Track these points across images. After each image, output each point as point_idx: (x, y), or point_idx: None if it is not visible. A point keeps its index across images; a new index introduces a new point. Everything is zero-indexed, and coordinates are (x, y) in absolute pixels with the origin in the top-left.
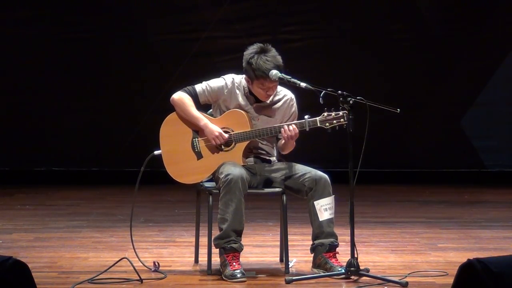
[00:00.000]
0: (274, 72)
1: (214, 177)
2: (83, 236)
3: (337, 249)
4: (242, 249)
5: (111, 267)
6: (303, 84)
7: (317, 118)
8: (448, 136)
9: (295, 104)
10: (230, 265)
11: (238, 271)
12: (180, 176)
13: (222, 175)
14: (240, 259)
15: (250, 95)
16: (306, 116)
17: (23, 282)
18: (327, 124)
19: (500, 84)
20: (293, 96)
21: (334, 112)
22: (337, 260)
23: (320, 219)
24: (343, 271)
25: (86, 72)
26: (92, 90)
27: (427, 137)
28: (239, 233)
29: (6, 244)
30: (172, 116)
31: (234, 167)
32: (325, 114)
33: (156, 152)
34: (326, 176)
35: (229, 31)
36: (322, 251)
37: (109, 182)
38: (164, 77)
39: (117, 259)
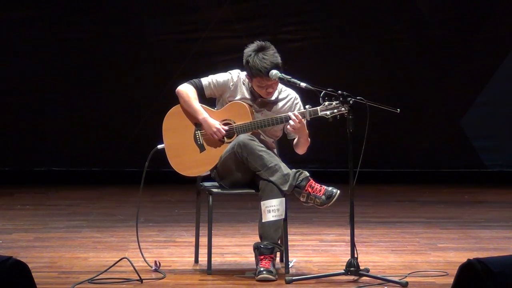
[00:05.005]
0: (274, 72)
1: (215, 170)
2: (83, 236)
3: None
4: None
5: (111, 267)
6: (303, 84)
7: (318, 108)
8: (448, 136)
9: (300, 103)
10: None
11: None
12: (183, 169)
13: (232, 150)
14: (240, 259)
15: (255, 91)
16: (307, 106)
17: (23, 282)
18: (328, 113)
19: (500, 84)
20: (297, 95)
21: (334, 102)
22: (267, 263)
23: (263, 220)
24: (264, 272)
25: (86, 72)
26: (92, 90)
27: (427, 137)
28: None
29: (6, 244)
30: (174, 109)
31: None
32: (326, 103)
33: (159, 146)
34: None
35: (229, 31)
36: (257, 254)
37: (109, 182)
38: (164, 77)
39: (117, 259)
